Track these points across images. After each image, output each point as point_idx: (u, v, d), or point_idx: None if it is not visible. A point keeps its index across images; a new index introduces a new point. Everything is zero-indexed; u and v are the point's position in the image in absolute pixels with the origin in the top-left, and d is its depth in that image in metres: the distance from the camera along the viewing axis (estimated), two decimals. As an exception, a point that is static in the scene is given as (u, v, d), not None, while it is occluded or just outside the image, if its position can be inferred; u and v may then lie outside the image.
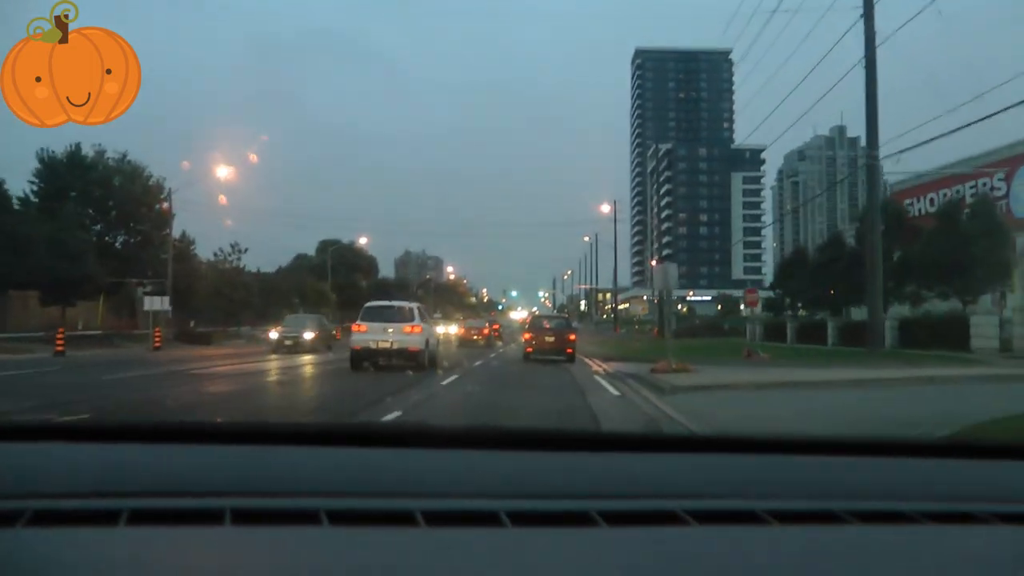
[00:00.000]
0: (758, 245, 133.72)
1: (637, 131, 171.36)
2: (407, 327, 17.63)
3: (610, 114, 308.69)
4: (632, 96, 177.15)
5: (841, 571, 1.04)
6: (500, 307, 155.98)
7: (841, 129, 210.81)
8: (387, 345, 17.33)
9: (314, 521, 1.07)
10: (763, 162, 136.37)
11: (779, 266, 49.83)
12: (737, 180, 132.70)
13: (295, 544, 1.01)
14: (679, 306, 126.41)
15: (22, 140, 39.74)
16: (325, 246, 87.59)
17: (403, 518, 1.09)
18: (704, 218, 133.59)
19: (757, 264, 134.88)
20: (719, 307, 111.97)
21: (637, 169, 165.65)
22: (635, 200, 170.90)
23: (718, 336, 48.61)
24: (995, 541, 1.18)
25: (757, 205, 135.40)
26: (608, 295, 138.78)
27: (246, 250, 53.48)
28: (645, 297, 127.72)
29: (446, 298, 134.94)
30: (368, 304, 19.29)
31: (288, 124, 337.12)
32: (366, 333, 17.55)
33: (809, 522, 1.18)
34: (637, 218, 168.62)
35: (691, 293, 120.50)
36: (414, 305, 19.42)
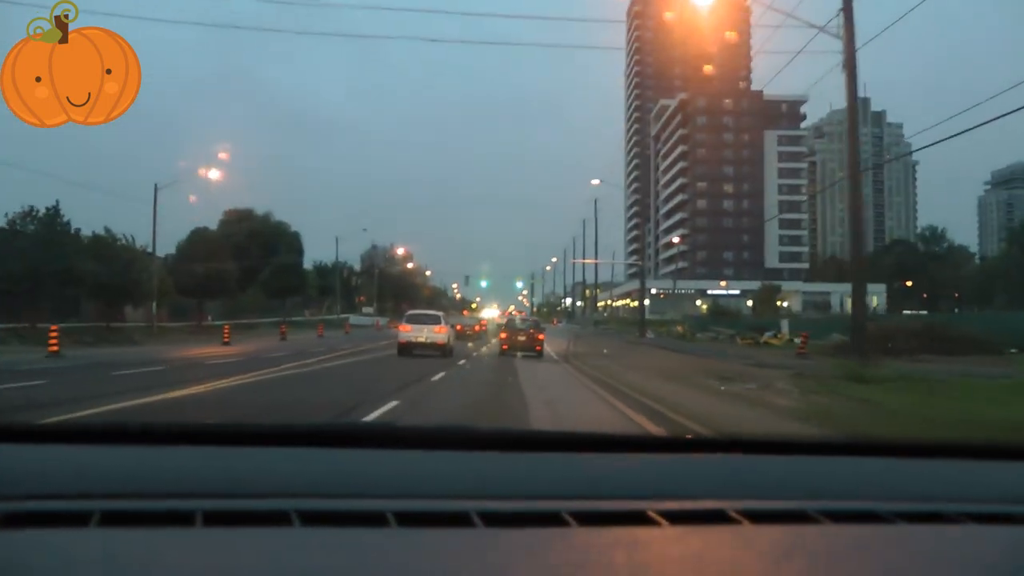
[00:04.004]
0: (799, 224, 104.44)
1: (635, 91, 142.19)
2: (436, 328, 24.23)
3: (602, 79, 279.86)
4: (628, 49, 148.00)
5: (813, 571, 1.03)
6: (474, 305, 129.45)
7: (865, 102, 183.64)
8: (423, 340, 23.77)
9: (285, 522, 1.06)
10: (803, 117, 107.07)
11: None
12: (771, 140, 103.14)
13: (266, 545, 1.01)
14: (697, 301, 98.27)
15: None
16: (232, 218, 64.91)
17: (374, 519, 1.08)
18: (729, 189, 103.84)
19: (798, 249, 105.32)
20: (749, 303, 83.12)
21: (635, 138, 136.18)
22: (632, 175, 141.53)
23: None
24: (968, 541, 1.18)
25: (797, 172, 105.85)
26: (597, 290, 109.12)
27: None
28: (655, 292, 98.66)
29: (399, 290, 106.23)
30: (409, 312, 27.21)
31: (255, 108, 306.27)
32: (410, 332, 24.04)
33: (780, 522, 1.18)
34: (634, 197, 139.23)
35: (724, 284, 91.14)
36: (440, 313, 27.70)
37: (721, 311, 62.92)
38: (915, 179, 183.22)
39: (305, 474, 1.27)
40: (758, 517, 1.17)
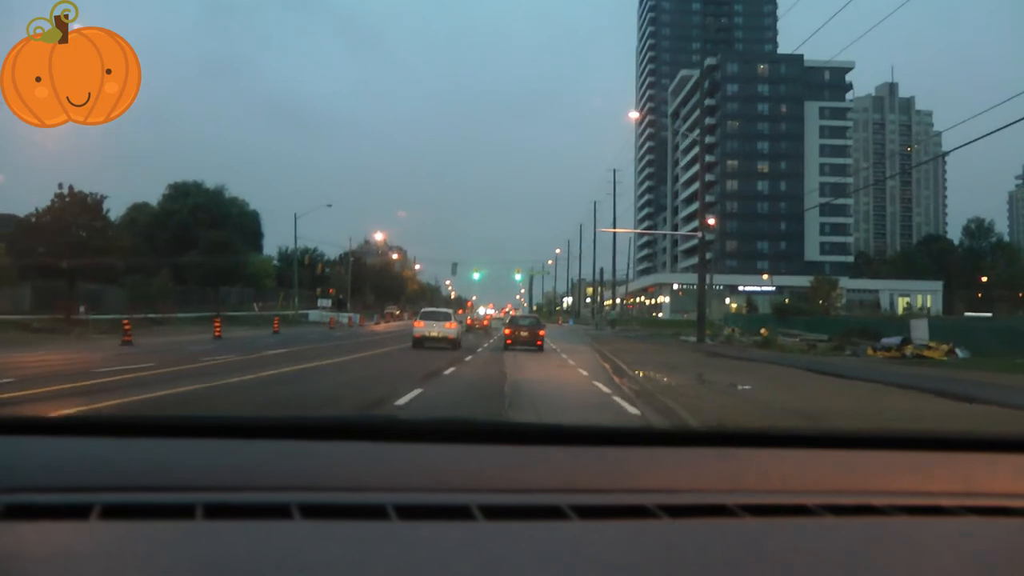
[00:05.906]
0: (844, 211, 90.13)
1: (648, 67, 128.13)
2: (447, 324, 26.44)
3: (610, 64, 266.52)
4: (641, 23, 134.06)
5: (813, 564, 1.04)
6: (469, 304, 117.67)
7: (892, 87, 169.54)
8: (435, 334, 25.78)
9: (286, 515, 1.07)
10: (850, 87, 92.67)
11: None
12: (812, 113, 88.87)
13: (267, 538, 1.01)
14: (726, 299, 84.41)
15: None
16: (176, 191, 58.82)
17: (375, 512, 1.09)
18: (764, 168, 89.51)
19: (843, 239, 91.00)
20: (786, 300, 69.35)
21: (649, 117, 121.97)
22: (643, 159, 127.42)
23: None
24: (968, 534, 1.18)
25: (843, 151, 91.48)
26: (612, 284, 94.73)
27: None
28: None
29: (381, 283, 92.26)
30: (423, 310, 30.44)
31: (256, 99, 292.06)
32: (423, 327, 26.06)
33: (780, 515, 1.19)
34: (646, 184, 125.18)
35: (766, 276, 76.88)
36: (450, 311, 30.73)
37: (788, 309, 48.83)
38: (945, 172, 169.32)
39: (306, 467, 1.27)
40: (759, 511, 1.17)
